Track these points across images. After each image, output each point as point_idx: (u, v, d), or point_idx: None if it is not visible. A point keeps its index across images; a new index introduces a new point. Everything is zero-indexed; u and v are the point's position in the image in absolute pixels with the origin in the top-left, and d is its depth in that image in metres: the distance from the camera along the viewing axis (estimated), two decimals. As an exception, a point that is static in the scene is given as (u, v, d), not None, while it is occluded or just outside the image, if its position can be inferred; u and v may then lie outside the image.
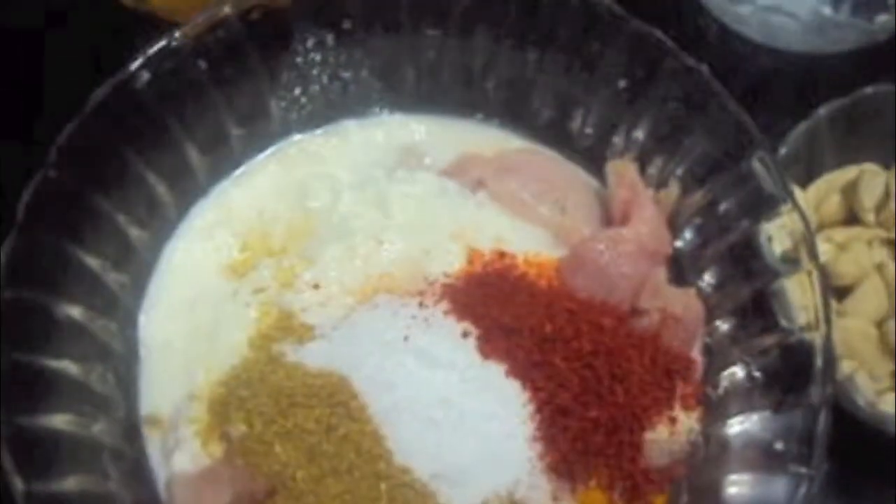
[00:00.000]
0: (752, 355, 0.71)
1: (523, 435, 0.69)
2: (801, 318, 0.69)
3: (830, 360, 0.67)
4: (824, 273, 0.70)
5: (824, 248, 0.81)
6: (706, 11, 0.91)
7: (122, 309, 0.74)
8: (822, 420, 0.65)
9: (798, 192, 0.81)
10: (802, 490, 0.64)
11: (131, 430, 0.72)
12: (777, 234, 0.71)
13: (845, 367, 0.77)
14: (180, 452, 0.70)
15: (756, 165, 0.72)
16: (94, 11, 0.86)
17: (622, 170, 0.78)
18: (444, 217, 0.76)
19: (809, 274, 0.69)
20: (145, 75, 0.73)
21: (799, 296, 0.69)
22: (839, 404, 0.73)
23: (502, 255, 0.75)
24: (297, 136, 0.82)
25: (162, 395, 0.73)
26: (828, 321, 0.67)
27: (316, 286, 0.73)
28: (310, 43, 0.78)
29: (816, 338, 0.67)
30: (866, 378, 0.77)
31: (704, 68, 0.74)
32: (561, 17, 0.76)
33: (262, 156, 0.81)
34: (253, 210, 0.78)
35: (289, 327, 0.71)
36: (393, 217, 0.75)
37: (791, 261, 0.70)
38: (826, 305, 0.68)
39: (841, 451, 0.74)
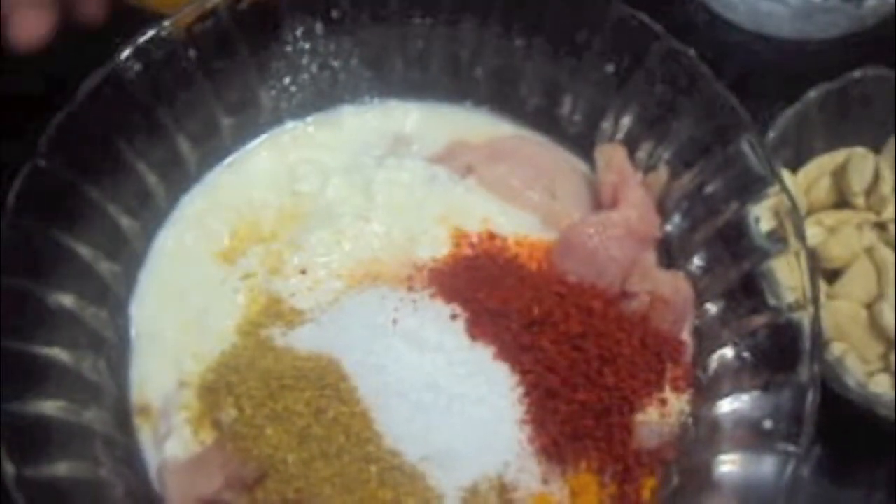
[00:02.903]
0: (741, 336, 0.71)
1: (512, 418, 0.69)
2: (790, 298, 0.69)
3: (818, 339, 0.67)
4: (812, 253, 0.70)
5: (814, 232, 0.81)
6: (695, -2, 0.91)
7: (113, 297, 0.75)
8: (810, 399, 0.65)
9: (787, 175, 0.82)
10: (790, 468, 0.64)
11: (123, 418, 0.73)
12: (765, 215, 0.71)
13: (836, 349, 0.78)
14: (172, 440, 0.70)
15: (744, 147, 0.72)
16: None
17: (611, 154, 0.78)
18: (433, 202, 0.76)
19: (797, 254, 0.69)
20: (135, 65, 0.73)
21: (787, 276, 0.69)
22: (830, 387, 0.73)
23: (492, 236, 0.75)
24: (287, 125, 0.82)
25: (153, 384, 0.74)
26: (815, 301, 0.68)
27: (303, 271, 0.73)
28: (299, 32, 0.79)
29: (804, 317, 0.67)
30: (856, 360, 0.77)
31: (691, 52, 0.74)
32: (547, 3, 0.76)
33: (252, 144, 0.81)
34: (243, 198, 0.79)
35: (278, 312, 0.72)
36: (381, 202, 0.75)
37: (779, 239, 0.70)
38: (814, 285, 0.68)
39: (832, 433, 0.75)
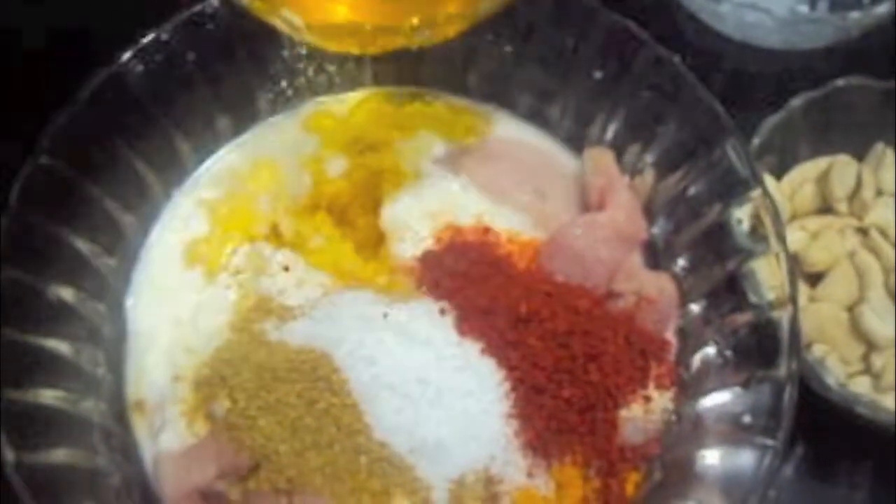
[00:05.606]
0: (723, 335, 0.73)
1: (499, 412, 0.70)
2: (770, 297, 0.70)
3: (796, 337, 0.69)
4: (792, 255, 0.72)
5: (798, 237, 0.83)
6: (684, 9, 0.93)
7: (110, 292, 0.76)
8: (788, 394, 0.67)
9: (771, 181, 0.83)
10: (768, 461, 0.66)
11: (119, 410, 0.74)
12: (747, 218, 0.73)
13: (817, 350, 0.79)
14: (167, 432, 0.72)
15: (727, 151, 0.74)
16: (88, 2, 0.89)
17: (599, 158, 0.80)
18: (425, 200, 0.77)
19: (777, 256, 0.71)
20: (136, 67, 0.75)
21: (768, 276, 0.71)
22: (811, 387, 0.74)
23: (486, 230, 0.77)
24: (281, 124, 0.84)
25: (148, 379, 0.75)
26: (794, 300, 0.69)
27: (286, 268, 0.75)
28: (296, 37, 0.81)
29: (783, 316, 0.69)
30: (837, 361, 0.79)
31: (677, 59, 0.76)
32: (537, 11, 0.78)
33: (247, 143, 0.83)
34: (237, 196, 0.80)
35: (269, 309, 0.73)
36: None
37: (760, 240, 0.71)
38: (793, 285, 0.70)
39: (814, 433, 0.76)
